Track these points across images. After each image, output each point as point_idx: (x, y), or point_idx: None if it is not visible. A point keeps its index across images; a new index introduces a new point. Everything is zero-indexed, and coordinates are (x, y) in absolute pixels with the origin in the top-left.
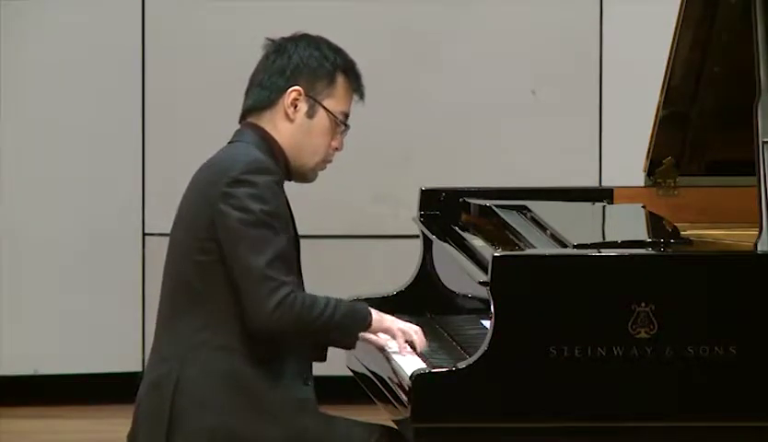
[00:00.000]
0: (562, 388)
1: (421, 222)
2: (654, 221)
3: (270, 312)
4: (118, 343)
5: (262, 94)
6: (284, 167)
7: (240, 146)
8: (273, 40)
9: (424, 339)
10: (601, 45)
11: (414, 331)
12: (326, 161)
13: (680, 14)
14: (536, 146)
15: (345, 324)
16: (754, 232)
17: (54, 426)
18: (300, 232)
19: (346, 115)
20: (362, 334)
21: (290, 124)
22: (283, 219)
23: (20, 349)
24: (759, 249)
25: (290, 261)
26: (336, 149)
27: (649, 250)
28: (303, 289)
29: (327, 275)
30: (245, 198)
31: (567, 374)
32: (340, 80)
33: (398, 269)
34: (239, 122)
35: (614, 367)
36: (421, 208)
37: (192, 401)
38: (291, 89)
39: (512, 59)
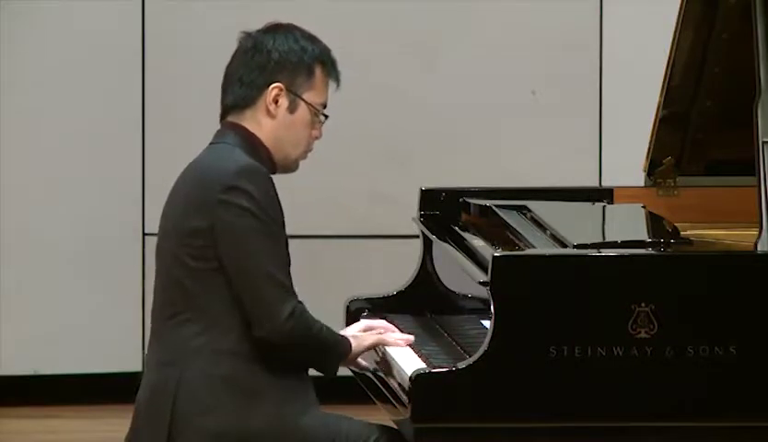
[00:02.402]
0: (562, 388)
1: (421, 222)
2: (654, 221)
3: (284, 320)
4: (118, 343)
5: (243, 92)
6: (268, 162)
7: (225, 149)
8: (248, 34)
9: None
10: (601, 45)
11: (392, 330)
12: (307, 151)
13: (680, 14)
14: (536, 147)
15: (330, 348)
16: (754, 232)
17: (54, 426)
18: (300, 232)
19: (325, 105)
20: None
21: (272, 120)
22: (280, 221)
23: (20, 349)
24: (759, 249)
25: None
26: (316, 138)
27: (649, 250)
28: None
29: (327, 275)
30: (246, 205)
31: (567, 374)
32: (318, 72)
33: (398, 269)
34: (220, 120)
35: (614, 367)
36: (421, 208)
37: (192, 405)
38: (272, 86)
39: (512, 59)
